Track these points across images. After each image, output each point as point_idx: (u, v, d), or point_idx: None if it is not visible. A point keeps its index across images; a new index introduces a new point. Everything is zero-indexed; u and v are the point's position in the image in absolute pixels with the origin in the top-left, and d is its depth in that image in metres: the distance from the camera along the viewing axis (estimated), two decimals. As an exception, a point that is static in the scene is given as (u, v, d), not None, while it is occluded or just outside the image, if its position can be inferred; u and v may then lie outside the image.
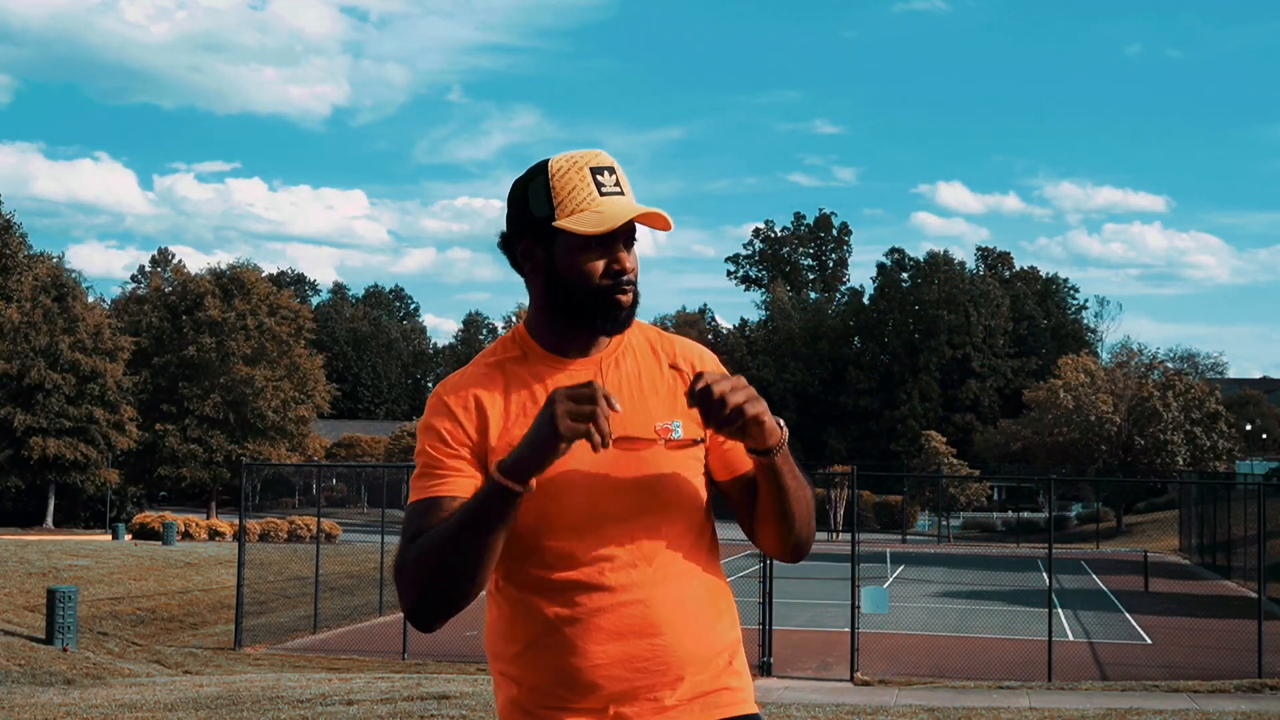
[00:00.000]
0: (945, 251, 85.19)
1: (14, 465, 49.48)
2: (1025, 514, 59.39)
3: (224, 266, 58.55)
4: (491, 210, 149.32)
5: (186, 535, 37.11)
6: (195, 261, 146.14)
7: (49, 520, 50.47)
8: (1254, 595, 19.29)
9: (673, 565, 2.05)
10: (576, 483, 2.01)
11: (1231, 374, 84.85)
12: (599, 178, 2.04)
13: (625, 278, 2.05)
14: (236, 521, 34.36)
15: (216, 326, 55.46)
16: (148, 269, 74.32)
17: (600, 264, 2.04)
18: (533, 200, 2.05)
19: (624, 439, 2.02)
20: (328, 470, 59.18)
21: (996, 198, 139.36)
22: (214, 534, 38.16)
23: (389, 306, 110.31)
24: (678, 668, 2.03)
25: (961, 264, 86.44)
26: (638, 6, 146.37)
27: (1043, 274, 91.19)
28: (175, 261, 68.12)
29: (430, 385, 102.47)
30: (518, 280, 2.14)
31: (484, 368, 2.11)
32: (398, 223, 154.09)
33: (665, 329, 2.40)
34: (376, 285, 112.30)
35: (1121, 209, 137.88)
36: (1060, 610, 22.26)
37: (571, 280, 2.05)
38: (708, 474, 2.15)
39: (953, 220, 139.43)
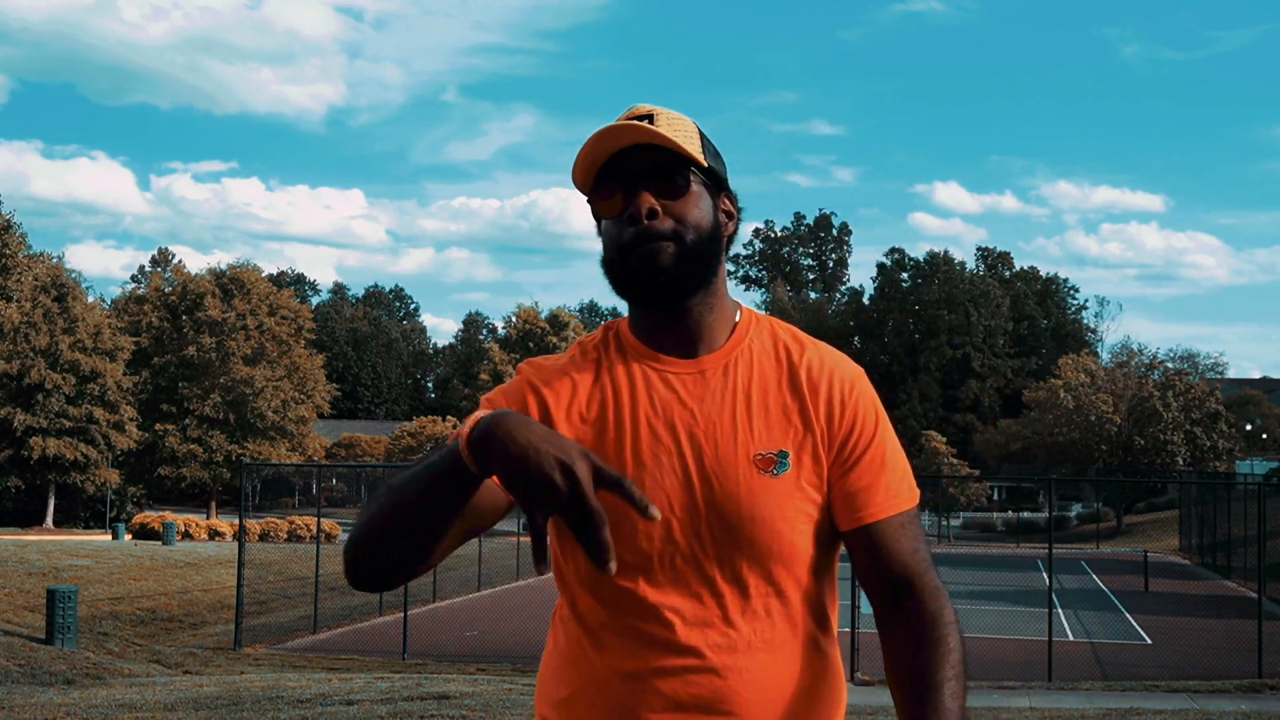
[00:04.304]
0: (945, 251, 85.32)
1: (14, 465, 49.49)
2: (1025, 514, 59.36)
3: (223, 266, 58.67)
4: (489, 210, 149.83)
5: (186, 535, 37.12)
6: (194, 261, 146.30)
7: (49, 520, 50.47)
8: (1254, 595, 19.29)
9: (765, 632, 1.63)
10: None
11: (1231, 374, 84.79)
12: (620, 122, 1.63)
13: (645, 226, 1.60)
14: (236, 522, 34.36)
15: (216, 326, 55.47)
16: (147, 269, 74.31)
17: (617, 216, 1.63)
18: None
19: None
20: (328, 470, 59.18)
21: (994, 198, 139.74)
22: (214, 534, 38.16)
23: (388, 306, 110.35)
24: None
25: (961, 264, 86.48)
26: (636, 7, 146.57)
27: (1043, 274, 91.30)
28: (175, 261, 68.10)
29: (430, 385, 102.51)
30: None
31: (575, 351, 1.74)
32: (396, 223, 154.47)
33: None
34: (376, 285, 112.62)
35: (1119, 209, 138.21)
36: (1060, 610, 22.25)
37: (604, 249, 1.68)
38: (830, 523, 1.68)
39: (950, 220, 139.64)
